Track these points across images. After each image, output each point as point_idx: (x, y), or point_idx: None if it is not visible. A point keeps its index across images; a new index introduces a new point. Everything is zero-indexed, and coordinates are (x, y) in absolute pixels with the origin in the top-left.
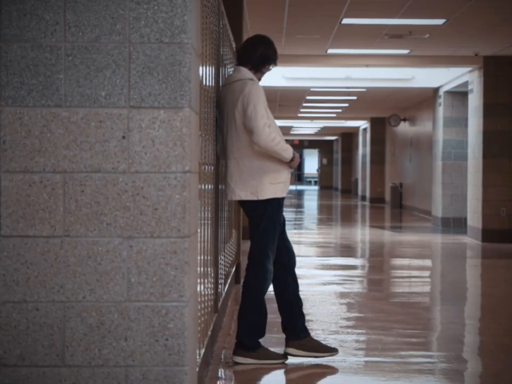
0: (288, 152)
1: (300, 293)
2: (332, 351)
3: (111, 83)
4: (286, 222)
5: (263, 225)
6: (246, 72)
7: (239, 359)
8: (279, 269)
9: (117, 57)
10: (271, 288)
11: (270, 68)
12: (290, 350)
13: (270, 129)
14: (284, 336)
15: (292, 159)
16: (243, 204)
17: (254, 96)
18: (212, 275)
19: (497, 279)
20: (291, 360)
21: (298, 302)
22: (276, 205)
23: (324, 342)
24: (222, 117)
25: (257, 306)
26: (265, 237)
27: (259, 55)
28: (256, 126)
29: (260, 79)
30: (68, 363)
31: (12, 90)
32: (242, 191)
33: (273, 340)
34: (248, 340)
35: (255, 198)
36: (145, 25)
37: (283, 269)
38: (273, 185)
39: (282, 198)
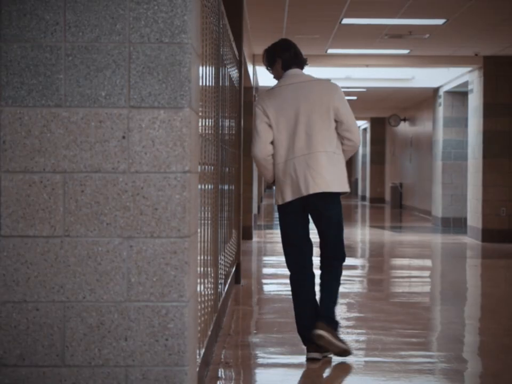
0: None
1: None
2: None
3: (111, 83)
4: None
5: (341, 219)
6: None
7: (323, 333)
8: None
9: (117, 57)
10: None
11: None
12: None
13: None
14: (283, 336)
15: None
16: (322, 199)
17: (346, 100)
18: (212, 275)
19: (497, 279)
20: (291, 360)
21: None
22: (340, 200)
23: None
24: (290, 113)
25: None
26: (343, 230)
27: (305, 60)
28: (355, 128)
29: None
30: (68, 363)
31: (12, 90)
32: (335, 184)
33: (273, 339)
34: (334, 316)
35: (343, 190)
36: (145, 25)
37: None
38: (347, 180)
39: None
